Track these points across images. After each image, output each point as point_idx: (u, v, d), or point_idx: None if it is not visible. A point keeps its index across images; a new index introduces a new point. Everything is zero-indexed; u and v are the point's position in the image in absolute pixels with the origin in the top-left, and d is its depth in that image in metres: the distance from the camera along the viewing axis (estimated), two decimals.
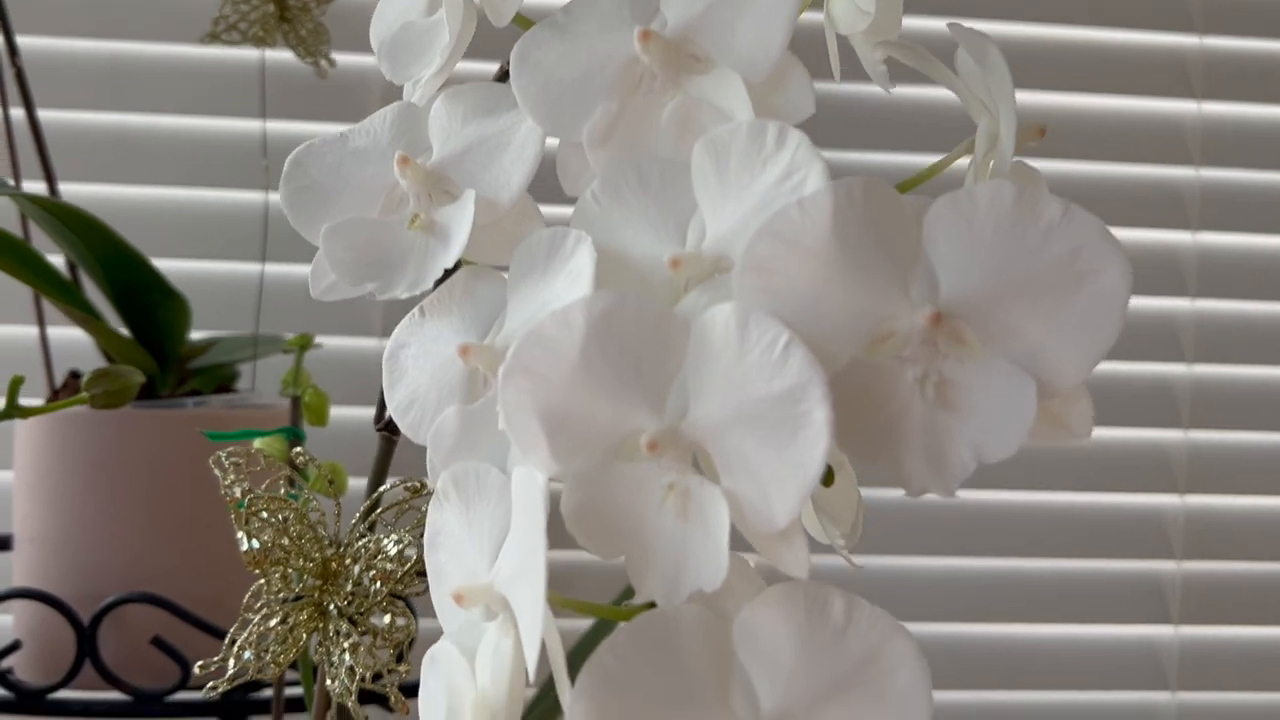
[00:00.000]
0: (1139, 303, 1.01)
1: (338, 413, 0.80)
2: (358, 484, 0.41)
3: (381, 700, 0.71)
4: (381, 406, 0.46)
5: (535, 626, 0.27)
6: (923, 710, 0.28)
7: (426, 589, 0.43)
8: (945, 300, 0.27)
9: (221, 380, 0.74)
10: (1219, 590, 1.02)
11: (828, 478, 0.31)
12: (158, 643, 0.62)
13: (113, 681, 0.63)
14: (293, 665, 0.68)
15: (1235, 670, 1.02)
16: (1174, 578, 1.02)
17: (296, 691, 0.66)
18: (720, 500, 0.27)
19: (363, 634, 0.41)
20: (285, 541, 0.41)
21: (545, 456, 0.29)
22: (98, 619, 0.62)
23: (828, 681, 0.28)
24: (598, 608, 0.31)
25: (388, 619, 0.42)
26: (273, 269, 0.82)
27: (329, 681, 0.41)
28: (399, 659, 0.42)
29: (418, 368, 0.33)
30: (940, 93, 0.45)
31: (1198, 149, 1.01)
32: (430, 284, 0.32)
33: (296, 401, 0.54)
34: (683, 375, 0.28)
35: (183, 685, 0.63)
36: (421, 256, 0.32)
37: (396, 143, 0.34)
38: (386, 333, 0.95)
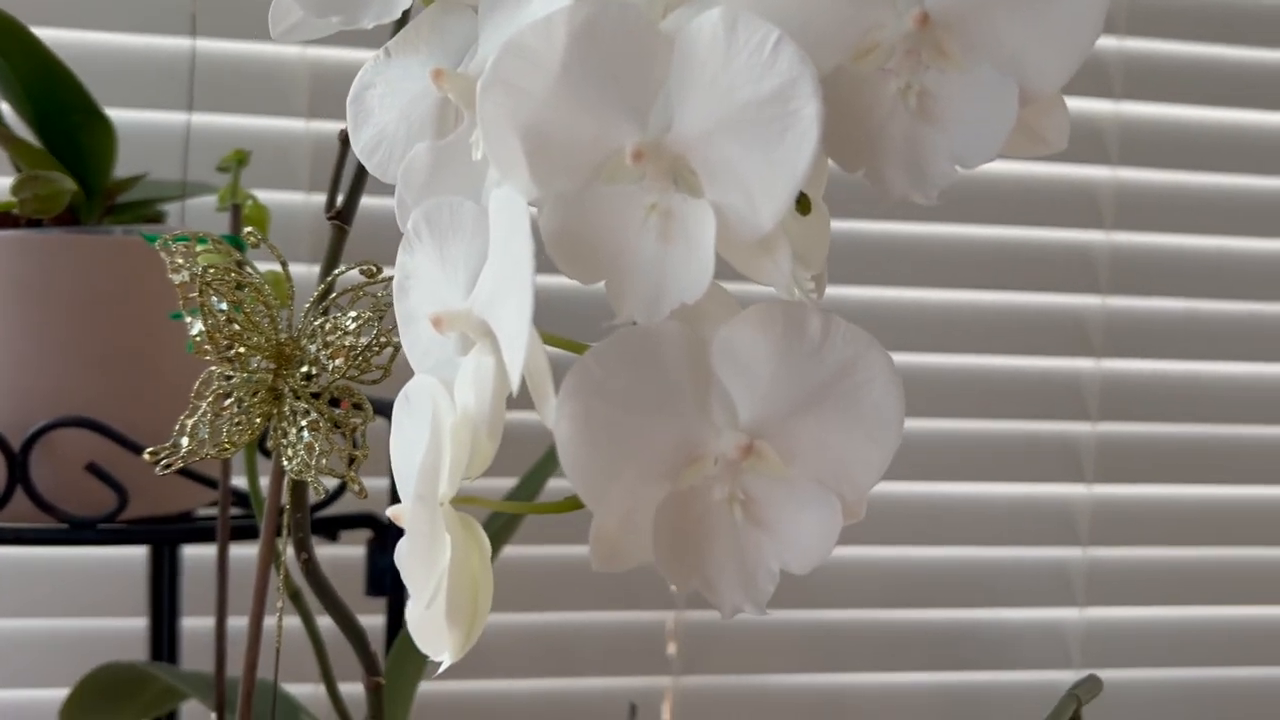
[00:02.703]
0: (1061, 170, 1.03)
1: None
2: None
3: (326, 530, 0.71)
4: (332, 195, 0.45)
5: (521, 336, 0.27)
6: (894, 421, 0.29)
7: (382, 375, 0.43)
8: (931, 5, 0.27)
9: (149, 218, 0.72)
10: (1130, 451, 1.06)
11: (804, 206, 0.31)
12: (92, 469, 0.61)
13: (46, 509, 0.61)
14: (240, 500, 0.67)
15: (1143, 526, 1.06)
16: (1089, 439, 1.05)
17: (244, 523, 0.65)
18: (706, 211, 0.27)
19: (323, 417, 0.41)
20: (241, 318, 0.41)
21: (525, 178, 0.28)
22: (29, 445, 0.61)
23: (803, 394, 0.28)
24: (573, 344, 0.31)
25: (342, 409, 0.42)
26: (200, 119, 0.80)
27: (285, 463, 0.41)
28: (355, 445, 0.42)
29: (385, 106, 0.32)
30: None
31: (1123, 21, 1.02)
32: (398, 13, 0.31)
33: (237, 210, 0.53)
34: (667, 90, 0.28)
35: (118, 513, 0.62)
36: None
37: None
38: (314, 188, 0.93)
